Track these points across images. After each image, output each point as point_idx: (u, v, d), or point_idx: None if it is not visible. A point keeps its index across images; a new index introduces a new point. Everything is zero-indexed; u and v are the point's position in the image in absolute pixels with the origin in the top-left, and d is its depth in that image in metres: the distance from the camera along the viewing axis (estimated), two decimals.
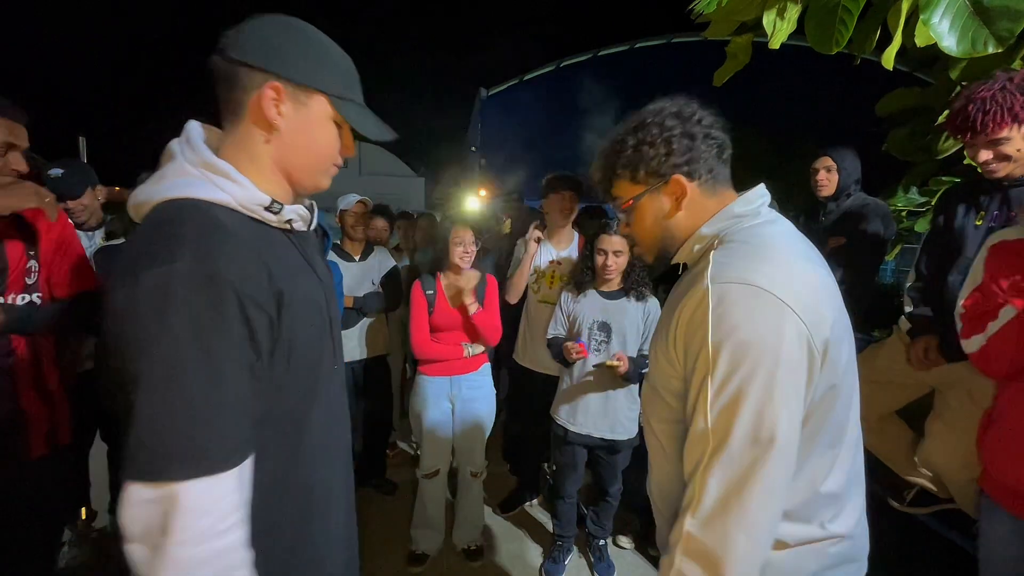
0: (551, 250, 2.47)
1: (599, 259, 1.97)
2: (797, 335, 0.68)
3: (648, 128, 0.81)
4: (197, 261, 0.60)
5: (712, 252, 0.78)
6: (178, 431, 0.58)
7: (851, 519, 0.82)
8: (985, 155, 1.43)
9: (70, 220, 2.10)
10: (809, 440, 0.74)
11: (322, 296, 0.81)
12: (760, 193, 0.84)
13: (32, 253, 1.36)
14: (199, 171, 0.70)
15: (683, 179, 0.81)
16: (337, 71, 0.76)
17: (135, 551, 0.58)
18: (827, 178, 2.27)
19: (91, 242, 2.16)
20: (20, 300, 1.33)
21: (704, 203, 0.83)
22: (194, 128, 0.74)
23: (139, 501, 0.57)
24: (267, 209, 0.73)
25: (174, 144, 0.73)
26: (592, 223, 2.41)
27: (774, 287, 0.69)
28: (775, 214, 0.85)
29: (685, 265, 0.90)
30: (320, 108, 0.74)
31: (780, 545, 0.78)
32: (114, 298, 0.60)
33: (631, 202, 0.85)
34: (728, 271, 0.72)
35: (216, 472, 0.60)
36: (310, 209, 0.84)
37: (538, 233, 2.45)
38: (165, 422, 0.58)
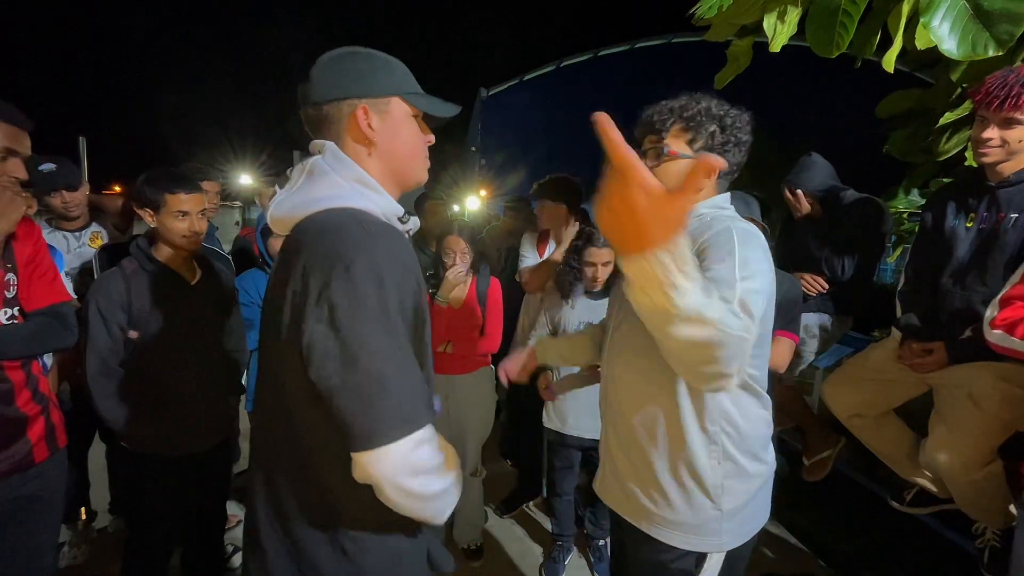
0: (551, 249, 2.45)
1: (588, 271, 1.95)
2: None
3: (727, 120, 1.01)
4: (371, 260, 0.72)
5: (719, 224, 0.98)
6: (409, 397, 0.73)
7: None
8: (991, 132, 1.40)
9: (64, 214, 2.03)
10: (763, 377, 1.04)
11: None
12: (728, 197, 1.10)
13: (10, 266, 1.24)
14: (351, 184, 0.81)
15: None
16: (397, 73, 0.86)
17: (393, 491, 0.73)
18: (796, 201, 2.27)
19: (79, 242, 2.10)
20: (3, 315, 1.22)
21: (711, 192, 1.07)
22: (335, 147, 0.83)
23: (393, 453, 0.71)
24: (399, 218, 0.86)
25: (320, 161, 0.82)
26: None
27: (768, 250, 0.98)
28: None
29: None
30: (398, 109, 0.85)
31: (756, 482, 1.05)
32: (311, 299, 0.71)
33: (676, 153, 1.01)
34: (740, 224, 0.97)
35: (429, 422, 0.76)
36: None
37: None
38: (396, 390, 0.71)
